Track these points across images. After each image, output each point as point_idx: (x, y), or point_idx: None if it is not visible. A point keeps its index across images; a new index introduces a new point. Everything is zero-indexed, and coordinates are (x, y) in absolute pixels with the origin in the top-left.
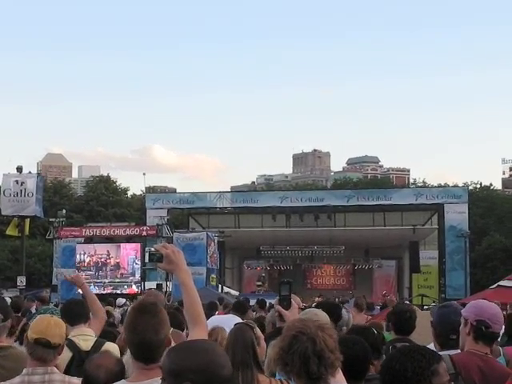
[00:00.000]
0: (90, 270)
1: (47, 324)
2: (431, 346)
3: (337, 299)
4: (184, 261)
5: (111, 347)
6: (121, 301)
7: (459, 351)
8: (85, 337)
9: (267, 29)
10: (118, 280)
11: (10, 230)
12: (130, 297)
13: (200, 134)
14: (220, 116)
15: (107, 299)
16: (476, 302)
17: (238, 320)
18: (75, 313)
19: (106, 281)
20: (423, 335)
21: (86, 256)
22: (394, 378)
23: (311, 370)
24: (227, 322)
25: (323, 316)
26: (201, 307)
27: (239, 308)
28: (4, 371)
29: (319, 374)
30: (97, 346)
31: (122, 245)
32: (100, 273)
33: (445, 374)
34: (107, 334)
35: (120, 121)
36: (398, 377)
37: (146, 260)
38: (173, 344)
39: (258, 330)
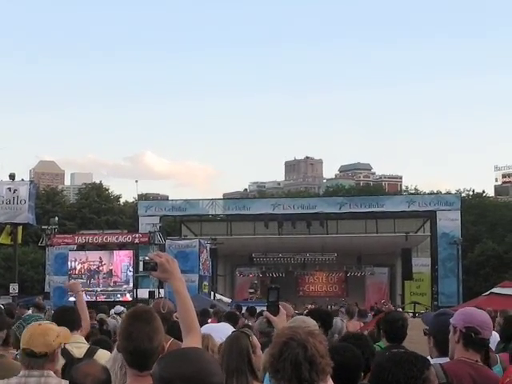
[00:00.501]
0: (82, 278)
1: (31, 334)
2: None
3: (329, 307)
4: (178, 269)
5: (104, 354)
6: (119, 308)
7: (446, 359)
8: (78, 344)
9: (260, 37)
10: (110, 288)
11: (3, 239)
12: (129, 305)
13: (192, 140)
14: (212, 123)
15: (101, 307)
16: (464, 309)
17: (231, 328)
18: (67, 320)
19: (99, 289)
20: (415, 343)
21: (77, 263)
22: None
23: (303, 376)
24: (220, 329)
25: (312, 323)
26: (195, 315)
27: (231, 318)
28: None
29: (311, 380)
30: (89, 353)
31: (115, 252)
32: (92, 281)
33: (435, 380)
34: (101, 342)
35: (111, 128)
36: None
37: (140, 268)
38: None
39: (254, 338)
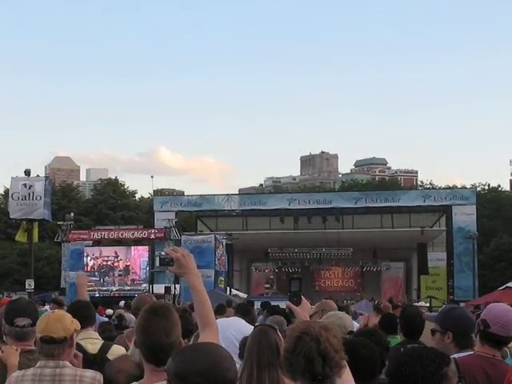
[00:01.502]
0: (95, 276)
1: (47, 321)
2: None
3: (345, 302)
4: (194, 264)
5: (118, 350)
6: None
7: (463, 354)
8: (92, 340)
9: (273, 32)
10: (128, 287)
11: (20, 236)
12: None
13: (206, 136)
14: (227, 118)
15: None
16: (493, 304)
17: (243, 322)
18: (82, 316)
19: (114, 288)
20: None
21: (89, 259)
22: (404, 383)
23: (316, 371)
24: (232, 324)
25: (347, 319)
26: (211, 310)
27: (242, 310)
28: None
29: (324, 375)
30: (103, 348)
31: (132, 247)
32: (106, 278)
33: (454, 377)
34: (114, 337)
35: (125, 123)
36: (408, 382)
37: (156, 263)
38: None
39: (279, 334)
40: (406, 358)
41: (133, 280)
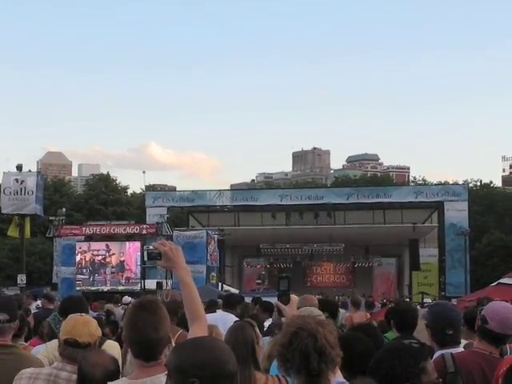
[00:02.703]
0: (83, 274)
1: (74, 323)
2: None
3: (337, 297)
4: (183, 258)
5: (111, 345)
6: (127, 299)
7: (461, 349)
8: None
9: (265, 28)
10: (121, 287)
11: (12, 231)
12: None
13: (198, 131)
14: (218, 114)
15: (115, 296)
16: (495, 301)
17: (232, 317)
18: (75, 310)
19: (105, 288)
20: (421, 332)
21: (77, 254)
22: (383, 377)
23: (311, 367)
24: (221, 319)
25: (318, 313)
26: (200, 304)
27: (229, 303)
28: (4, 370)
29: (319, 371)
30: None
31: (127, 243)
32: (96, 276)
33: (433, 372)
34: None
35: (115, 119)
36: (387, 376)
37: (145, 258)
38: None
39: (257, 330)
40: (385, 354)
41: (128, 278)
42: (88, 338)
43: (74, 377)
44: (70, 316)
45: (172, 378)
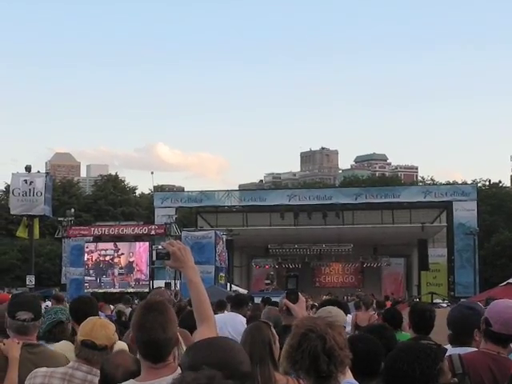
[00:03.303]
0: (89, 275)
1: (92, 326)
2: (448, 346)
3: (345, 298)
4: (191, 258)
5: (119, 345)
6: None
7: (473, 349)
8: None
9: (272, 26)
10: (131, 289)
11: (20, 232)
12: (140, 296)
13: (205, 132)
14: (226, 114)
15: (125, 297)
16: (497, 300)
17: (240, 317)
18: (84, 312)
19: (114, 290)
20: (438, 333)
21: (86, 255)
22: (402, 379)
23: (321, 369)
24: (229, 322)
25: (338, 313)
26: (209, 304)
27: (235, 302)
28: (31, 369)
29: (329, 372)
30: None
31: (136, 243)
32: (104, 278)
33: (448, 372)
34: None
35: (123, 119)
36: (406, 377)
37: (154, 258)
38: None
39: (273, 330)
40: (402, 354)
41: (137, 280)
42: (105, 340)
43: (90, 377)
44: (89, 318)
45: None
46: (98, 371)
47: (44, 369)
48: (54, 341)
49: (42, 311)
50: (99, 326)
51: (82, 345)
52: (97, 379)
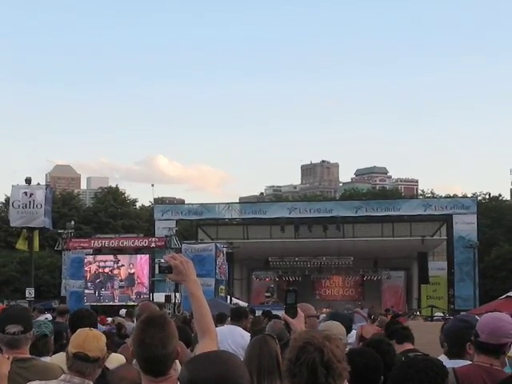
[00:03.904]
0: (88, 288)
1: (85, 338)
2: (442, 358)
3: (345, 311)
4: (193, 271)
5: (117, 358)
6: (122, 312)
7: (466, 362)
8: None
9: (273, 40)
10: (132, 303)
11: (20, 244)
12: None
13: (205, 144)
14: (226, 127)
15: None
16: (487, 313)
17: (240, 330)
18: (84, 324)
19: (113, 303)
20: (427, 345)
21: (85, 268)
22: None
23: (319, 382)
24: (229, 335)
25: (337, 326)
26: (210, 317)
27: (235, 315)
28: (25, 382)
29: None
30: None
31: (138, 255)
32: (103, 291)
33: None
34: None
35: (123, 131)
36: None
37: (156, 271)
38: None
39: (277, 343)
40: (411, 372)
41: (138, 294)
42: (98, 352)
43: None
44: (79, 330)
45: None
46: (91, 382)
47: (36, 382)
48: (37, 354)
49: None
50: (92, 338)
51: (74, 357)
52: None
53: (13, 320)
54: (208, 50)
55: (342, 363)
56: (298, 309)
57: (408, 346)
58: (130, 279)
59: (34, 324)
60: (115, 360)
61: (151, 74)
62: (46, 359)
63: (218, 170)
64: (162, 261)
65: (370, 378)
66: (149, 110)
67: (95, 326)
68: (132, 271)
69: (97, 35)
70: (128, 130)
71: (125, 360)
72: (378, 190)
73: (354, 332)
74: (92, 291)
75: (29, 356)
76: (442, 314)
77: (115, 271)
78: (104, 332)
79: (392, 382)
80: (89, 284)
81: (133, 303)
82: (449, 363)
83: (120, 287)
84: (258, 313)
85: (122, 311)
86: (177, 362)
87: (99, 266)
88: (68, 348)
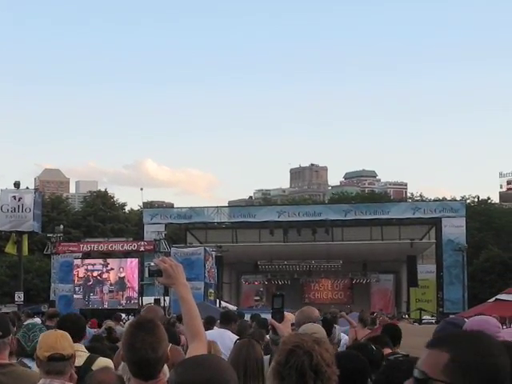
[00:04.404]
0: (76, 293)
1: (55, 339)
2: None
3: (329, 315)
4: (183, 274)
5: (104, 363)
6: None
7: None
8: (78, 353)
9: (260, 42)
10: (122, 308)
11: (9, 248)
12: (134, 312)
13: (194, 148)
14: (215, 130)
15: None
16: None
17: (229, 333)
18: (73, 328)
19: (102, 308)
20: (418, 349)
21: (72, 271)
22: None
23: None
24: (218, 335)
25: (318, 329)
26: (200, 321)
27: (225, 319)
28: None
29: None
30: (88, 361)
31: (128, 259)
32: (92, 296)
33: None
34: (95, 349)
35: (111, 135)
36: None
37: (146, 275)
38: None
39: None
40: (394, 373)
41: (129, 298)
42: (70, 349)
43: None
44: (45, 333)
45: None
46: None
47: None
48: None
49: (29, 327)
50: (61, 337)
51: (49, 360)
52: None
53: None
54: (194, 53)
55: (331, 367)
56: (285, 313)
57: (387, 350)
58: (121, 283)
59: (35, 327)
60: (103, 363)
61: (139, 79)
62: (32, 363)
63: (207, 173)
64: (152, 264)
65: (358, 381)
66: (136, 113)
67: (83, 331)
68: (122, 275)
69: (85, 40)
70: (116, 134)
71: (112, 364)
72: (366, 194)
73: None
74: (80, 296)
75: (7, 362)
76: (429, 317)
77: (104, 275)
78: (94, 336)
79: (376, 381)
80: (76, 288)
81: (123, 308)
82: None
83: (110, 291)
84: (247, 316)
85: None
86: (165, 365)
87: (87, 270)
88: (37, 353)
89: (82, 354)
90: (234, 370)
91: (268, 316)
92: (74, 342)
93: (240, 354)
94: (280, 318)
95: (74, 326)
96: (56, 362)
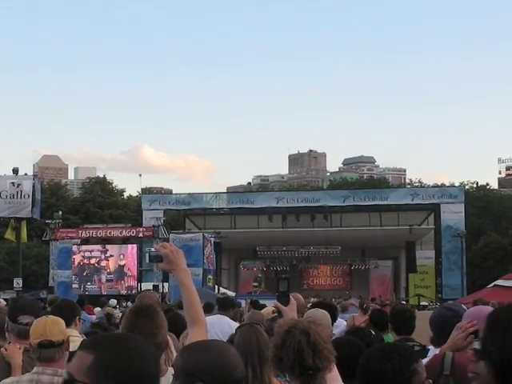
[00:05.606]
0: (73, 282)
1: (44, 325)
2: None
3: (333, 300)
4: (183, 260)
5: None
6: (113, 302)
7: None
8: (72, 338)
9: (259, 30)
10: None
11: (9, 234)
12: (126, 298)
13: (192, 134)
14: (213, 116)
15: (111, 300)
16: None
17: (227, 320)
18: (65, 314)
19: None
20: (419, 335)
21: (70, 258)
22: (373, 379)
23: (306, 363)
24: (216, 324)
25: (322, 316)
26: (200, 306)
27: (222, 305)
28: None
29: (315, 367)
30: None
31: (128, 245)
32: (88, 285)
33: (423, 373)
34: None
35: (107, 121)
36: (378, 378)
37: (146, 260)
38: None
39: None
40: (375, 354)
41: (129, 287)
42: (61, 335)
43: (56, 379)
44: (37, 320)
45: (178, 380)
46: (64, 371)
47: (10, 379)
48: None
49: None
50: (51, 324)
51: (39, 347)
52: None
53: (25, 311)
54: (193, 41)
55: (328, 345)
56: (291, 296)
57: None
58: (120, 272)
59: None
60: None
61: (137, 65)
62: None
63: (205, 159)
64: (153, 250)
65: (354, 367)
66: (133, 99)
67: (76, 317)
68: (122, 263)
69: (82, 26)
70: (112, 119)
71: None
72: (365, 180)
73: (340, 321)
74: (77, 285)
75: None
76: (428, 303)
77: (103, 263)
78: (96, 323)
79: (359, 364)
80: (73, 277)
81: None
82: (434, 351)
83: (108, 280)
84: (246, 302)
85: (112, 301)
86: (173, 349)
87: (84, 257)
88: (30, 341)
89: (75, 339)
90: (244, 357)
91: (265, 302)
92: (68, 327)
93: (248, 340)
94: (286, 301)
95: (65, 311)
96: (46, 349)
